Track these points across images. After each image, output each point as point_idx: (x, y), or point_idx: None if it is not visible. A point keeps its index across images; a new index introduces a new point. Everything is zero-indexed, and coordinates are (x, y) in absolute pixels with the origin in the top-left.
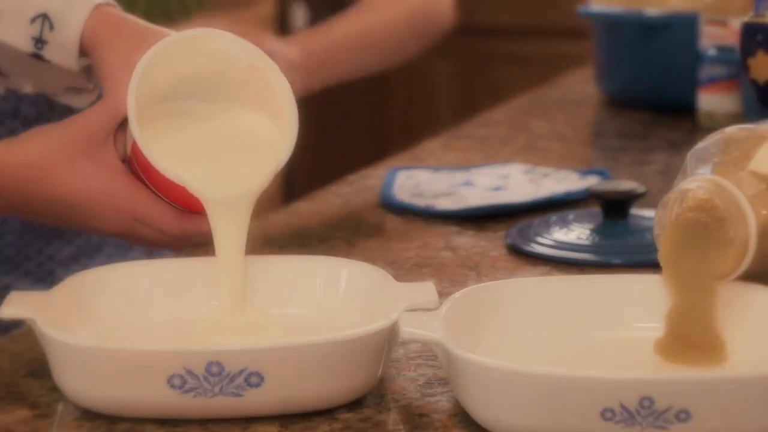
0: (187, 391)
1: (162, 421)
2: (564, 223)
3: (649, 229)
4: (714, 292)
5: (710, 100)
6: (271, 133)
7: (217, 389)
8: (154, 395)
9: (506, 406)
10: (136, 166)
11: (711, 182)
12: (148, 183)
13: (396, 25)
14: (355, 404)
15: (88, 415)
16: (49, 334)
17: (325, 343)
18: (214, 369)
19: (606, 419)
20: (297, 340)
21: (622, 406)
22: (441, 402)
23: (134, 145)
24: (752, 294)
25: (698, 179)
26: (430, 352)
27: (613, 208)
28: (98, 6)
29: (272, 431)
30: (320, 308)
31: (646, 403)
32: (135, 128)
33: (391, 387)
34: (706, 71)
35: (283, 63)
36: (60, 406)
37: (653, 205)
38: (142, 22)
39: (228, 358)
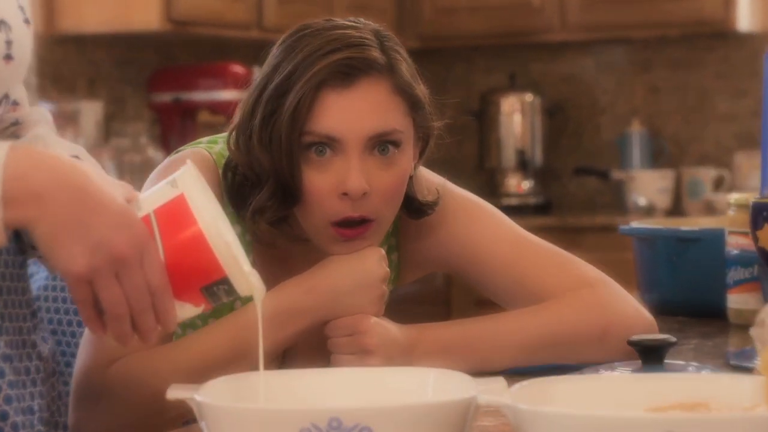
0: None
1: None
2: (609, 368)
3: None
4: None
5: (738, 300)
6: None
7: None
8: None
9: None
10: (154, 231)
11: None
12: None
13: (553, 329)
14: None
15: None
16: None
17: (420, 405)
18: (334, 423)
19: None
20: (397, 402)
21: None
22: None
23: (162, 210)
24: None
25: None
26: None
27: (651, 355)
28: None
29: None
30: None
31: None
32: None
33: None
34: (732, 275)
35: (376, 339)
36: None
37: (685, 358)
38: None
39: (345, 415)
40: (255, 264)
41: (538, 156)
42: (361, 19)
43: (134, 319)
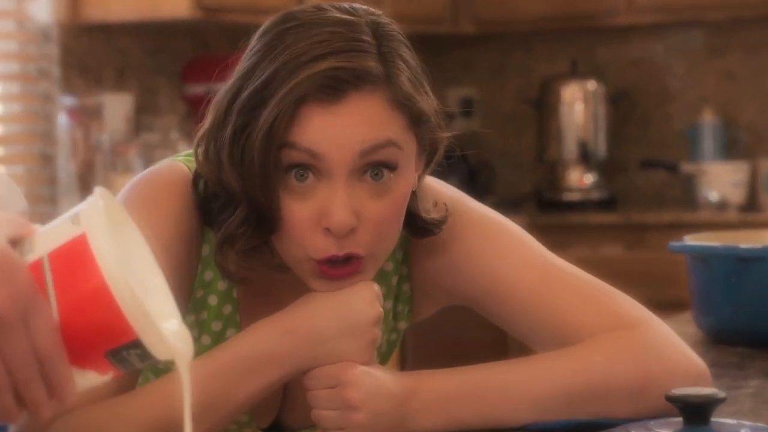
0: None
1: None
2: (642, 428)
3: None
4: None
5: None
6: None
7: None
8: None
9: None
10: (46, 280)
11: None
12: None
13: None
14: None
15: None
16: None
17: None
18: None
19: None
20: None
21: None
22: None
23: (58, 254)
24: None
25: None
26: None
27: (694, 414)
28: None
29: None
30: None
31: None
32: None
33: None
34: None
35: (363, 392)
36: None
37: (740, 407)
38: None
39: None
40: (236, 294)
41: (601, 148)
42: (360, 7)
43: (19, 391)
